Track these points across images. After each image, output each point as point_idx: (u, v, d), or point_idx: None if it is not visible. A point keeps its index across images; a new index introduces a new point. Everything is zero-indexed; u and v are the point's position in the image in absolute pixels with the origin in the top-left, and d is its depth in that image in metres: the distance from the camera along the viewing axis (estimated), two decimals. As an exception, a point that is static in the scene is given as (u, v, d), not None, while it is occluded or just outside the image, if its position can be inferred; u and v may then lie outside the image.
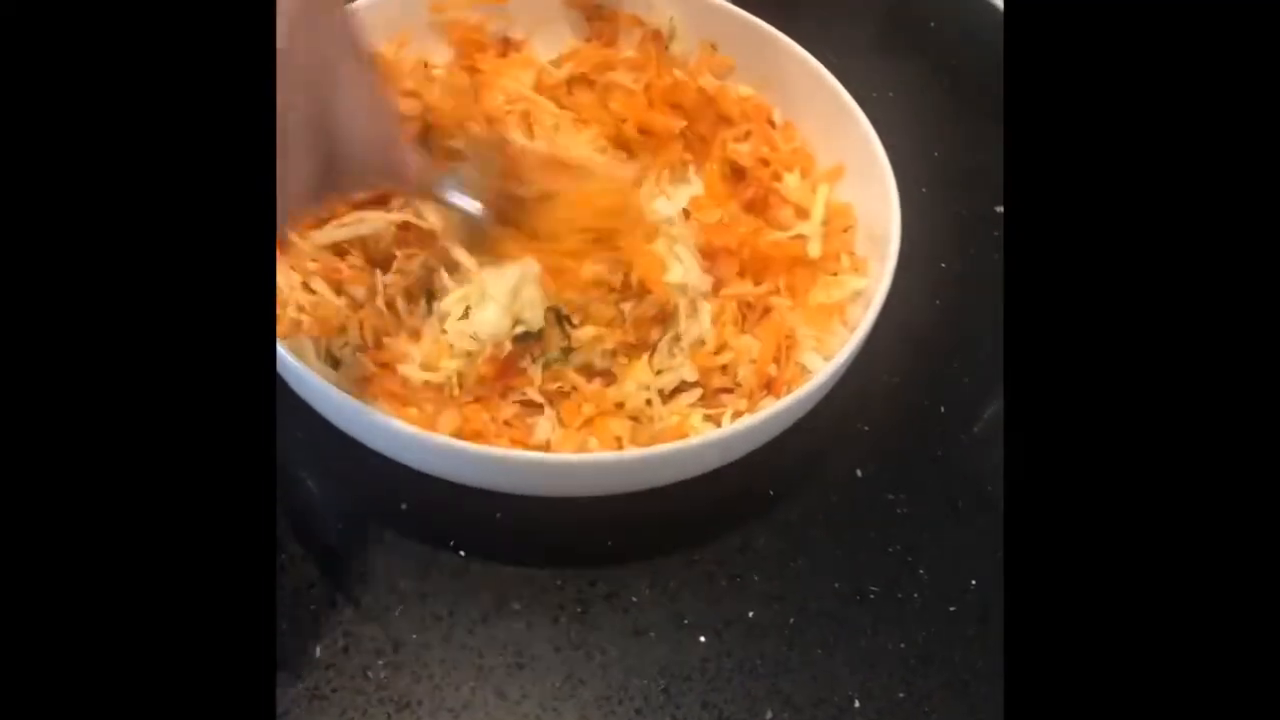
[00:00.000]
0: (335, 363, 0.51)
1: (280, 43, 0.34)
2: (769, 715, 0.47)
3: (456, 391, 0.50)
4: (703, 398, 0.53)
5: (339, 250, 0.53)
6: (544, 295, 0.51)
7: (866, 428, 0.57)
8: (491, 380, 0.51)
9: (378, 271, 0.53)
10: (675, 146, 0.62)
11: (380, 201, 0.54)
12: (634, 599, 0.49)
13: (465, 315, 0.51)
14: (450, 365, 0.50)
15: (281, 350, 0.46)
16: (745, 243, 0.57)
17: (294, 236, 0.52)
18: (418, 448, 0.47)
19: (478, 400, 0.50)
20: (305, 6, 0.36)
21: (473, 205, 0.48)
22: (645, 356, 0.52)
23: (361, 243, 0.53)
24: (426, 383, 0.50)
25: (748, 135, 0.63)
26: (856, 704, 0.47)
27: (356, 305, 0.52)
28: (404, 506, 0.51)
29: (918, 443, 0.57)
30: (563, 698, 0.46)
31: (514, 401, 0.51)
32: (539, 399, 0.51)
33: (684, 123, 0.62)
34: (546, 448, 0.50)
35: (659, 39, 0.65)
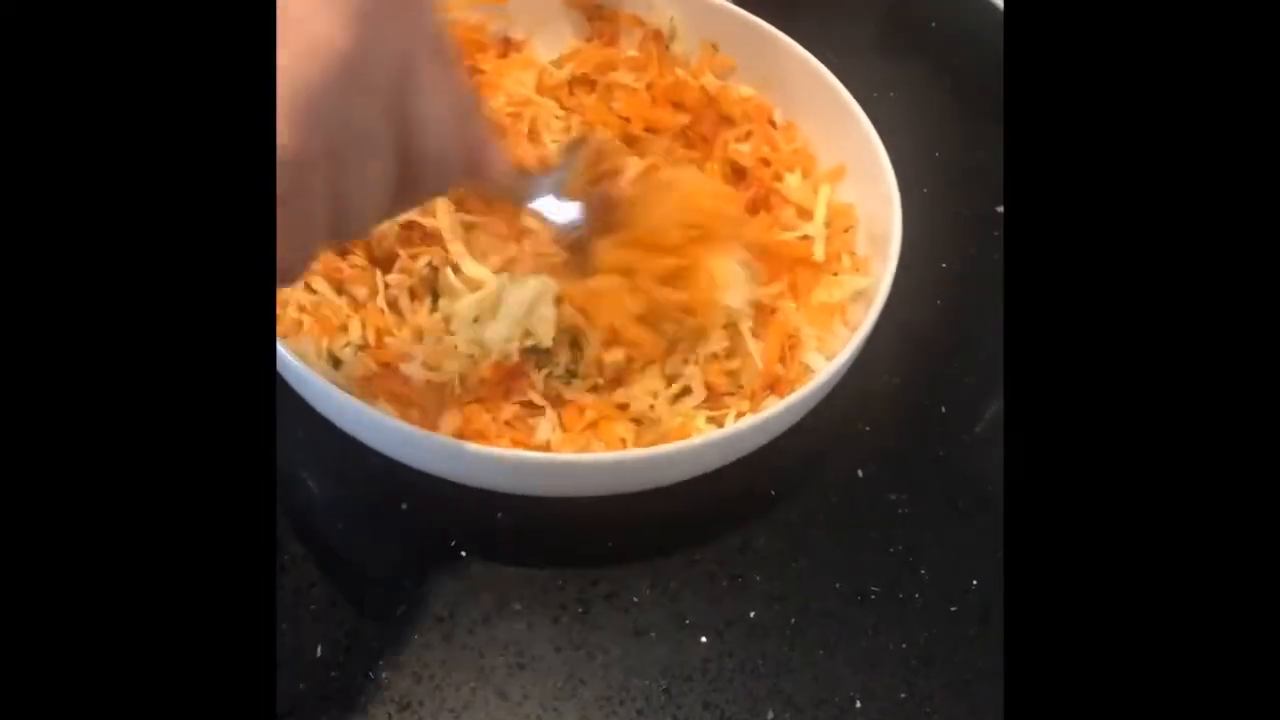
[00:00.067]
0: (336, 362, 0.51)
1: (346, 44, 0.30)
2: (770, 715, 0.47)
3: (458, 391, 0.50)
4: (706, 399, 0.52)
5: (341, 250, 0.53)
6: (559, 316, 0.51)
7: (868, 428, 0.57)
8: (493, 382, 0.51)
9: (379, 271, 0.53)
10: (679, 145, 0.62)
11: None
12: (635, 599, 0.49)
13: (476, 321, 0.51)
14: (453, 365, 0.50)
15: (282, 350, 0.46)
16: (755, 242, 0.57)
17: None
18: (419, 447, 0.47)
19: (479, 400, 0.50)
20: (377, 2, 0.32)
21: (568, 209, 0.45)
22: (658, 366, 0.52)
23: (364, 242, 0.53)
24: (428, 382, 0.50)
25: (749, 135, 0.63)
26: (858, 704, 0.47)
27: (358, 305, 0.52)
28: (405, 506, 0.51)
29: (919, 443, 0.57)
30: (564, 698, 0.46)
31: (515, 402, 0.51)
32: (540, 401, 0.51)
33: (687, 119, 0.62)
34: (547, 448, 0.50)
35: (660, 39, 0.65)
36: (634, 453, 0.47)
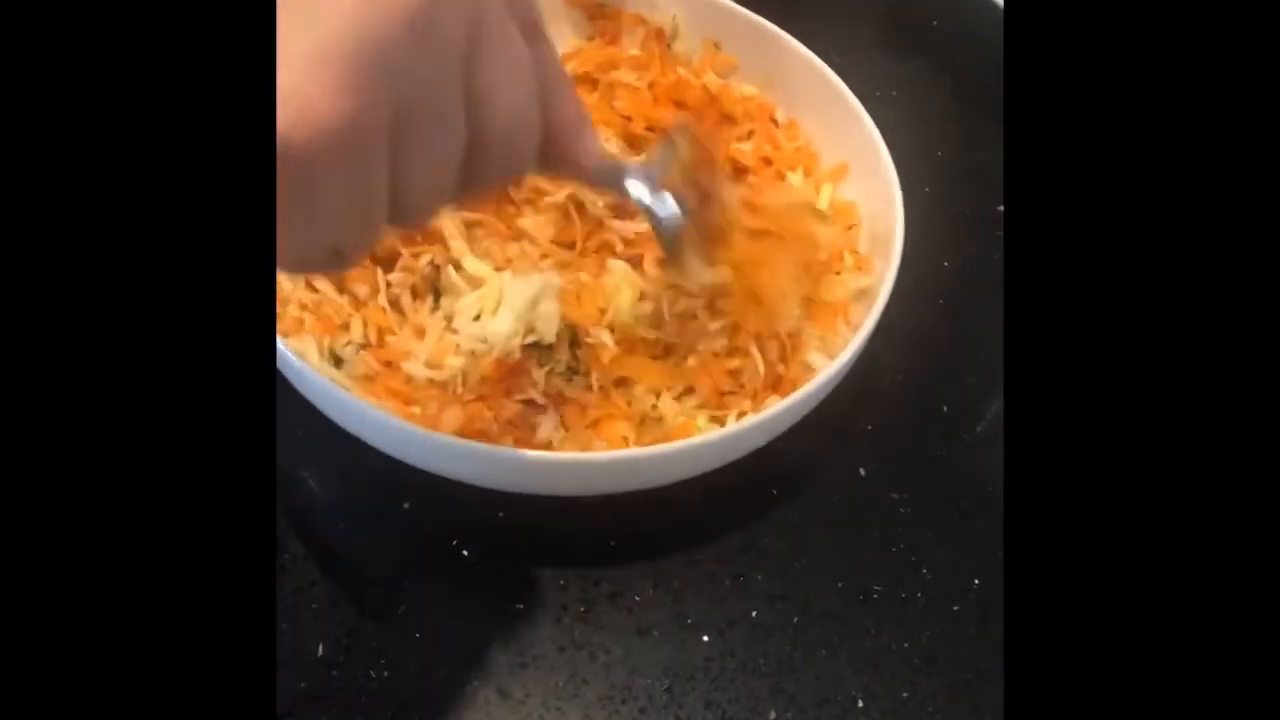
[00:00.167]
0: (338, 361, 0.51)
1: (415, 11, 0.26)
2: (772, 715, 0.47)
3: (460, 389, 0.50)
4: (707, 398, 0.52)
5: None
6: (562, 312, 0.51)
7: (869, 427, 0.57)
8: (495, 381, 0.51)
9: (380, 269, 0.53)
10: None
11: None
12: (637, 598, 0.49)
13: (478, 318, 0.51)
14: (455, 363, 0.50)
15: (283, 348, 0.46)
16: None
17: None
18: (420, 446, 0.47)
19: (481, 399, 0.50)
20: None
21: (668, 201, 0.42)
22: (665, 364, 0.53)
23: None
24: (430, 380, 0.50)
25: (751, 134, 0.63)
26: (860, 704, 0.47)
27: (359, 303, 0.52)
28: (406, 505, 0.51)
29: (921, 442, 0.57)
30: (566, 697, 0.46)
31: (518, 401, 0.51)
32: (542, 400, 0.51)
33: (689, 117, 0.62)
34: (549, 447, 0.50)
35: (661, 38, 0.65)
36: (636, 452, 0.47)
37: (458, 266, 0.52)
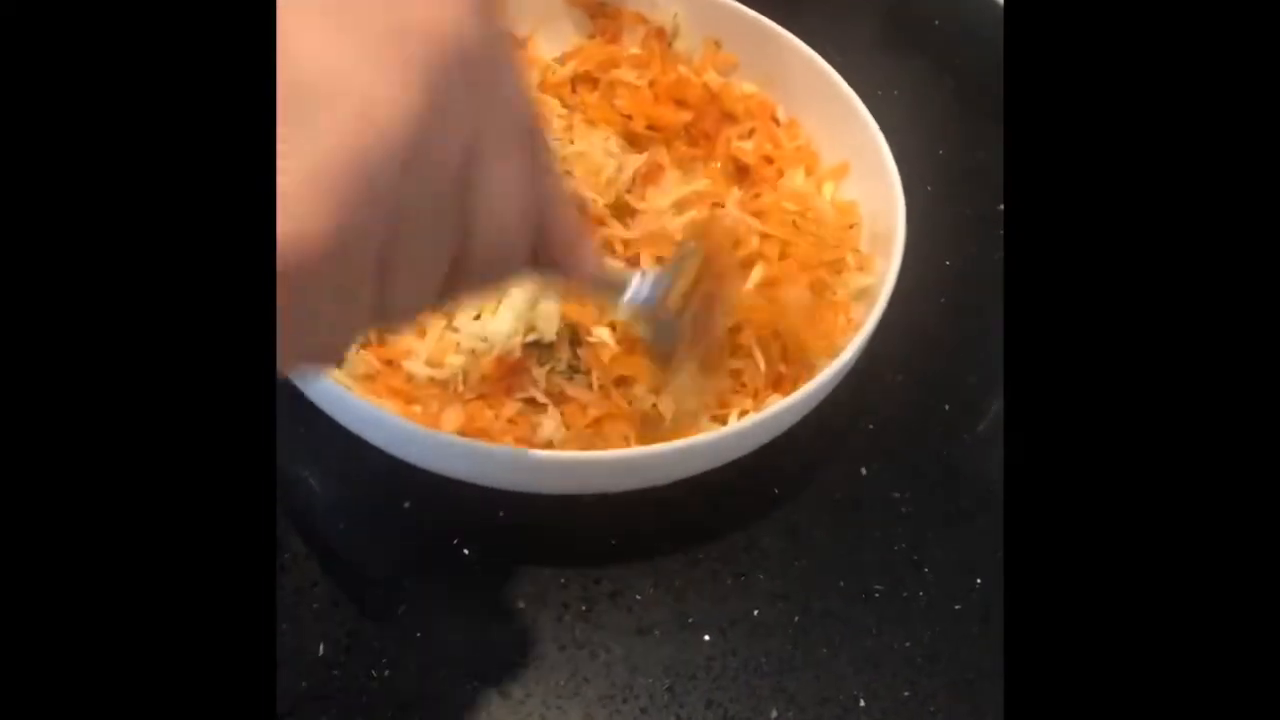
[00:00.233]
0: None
1: (411, 110, 0.25)
2: (774, 714, 0.46)
3: (461, 388, 0.50)
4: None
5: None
6: (562, 311, 0.51)
7: (871, 426, 0.57)
8: (496, 379, 0.51)
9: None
10: (682, 142, 0.62)
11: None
12: (638, 597, 0.49)
13: (478, 317, 0.51)
14: (455, 361, 0.50)
15: (284, 347, 0.46)
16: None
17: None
18: (421, 445, 0.47)
19: (482, 398, 0.50)
20: (451, 65, 0.26)
21: (662, 319, 0.41)
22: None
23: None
24: (431, 379, 0.50)
25: (752, 133, 0.63)
26: (862, 703, 0.47)
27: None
28: (407, 504, 0.51)
29: (922, 441, 0.57)
30: (567, 696, 0.46)
31: (519, 399, 0.51)
32: (543, 399, 0.51)
33: (690, 116, 0.62)
34: (550, 446, 0.50)
35: (662, 36, 0.65)
36: (637, 451, 0.47)
37: None
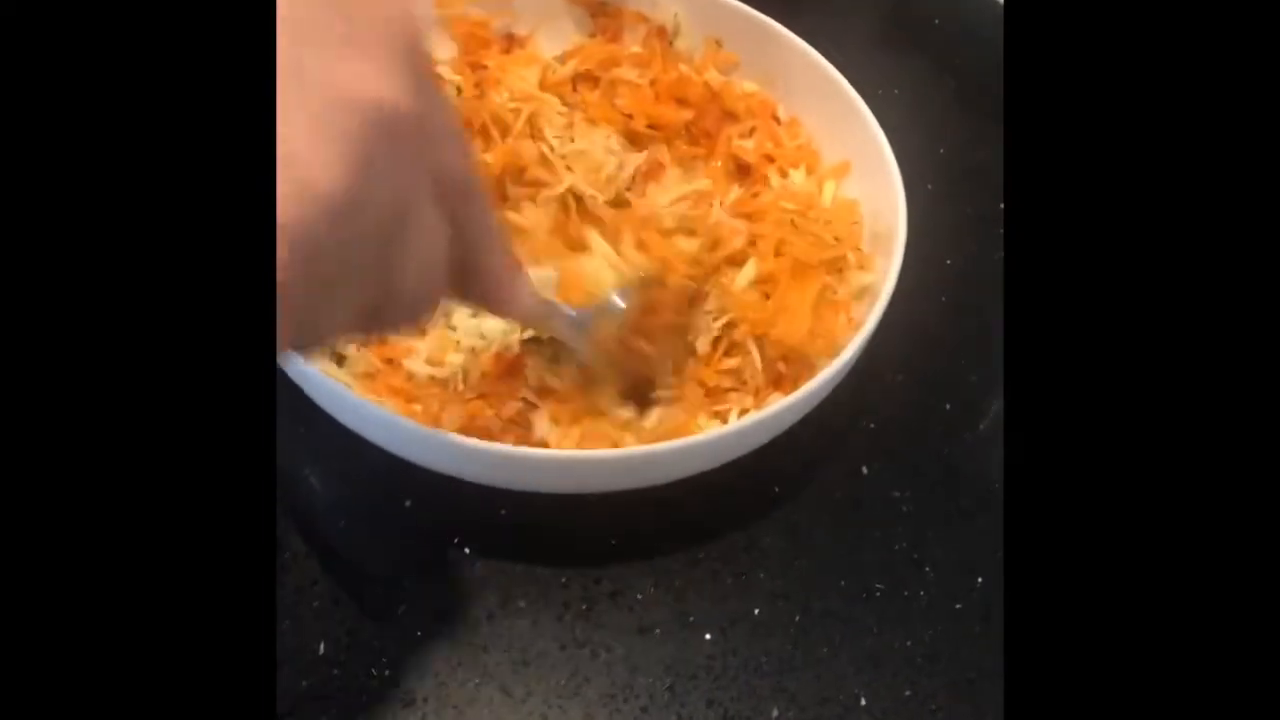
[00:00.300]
0: (339, 359, 0.51)
1: (336, 191, 0.27)
2: (774, 713, 0.46)
3: (461, 386, 0.50)
4: (708, 395, 0.52)
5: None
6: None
7: (871, 425, 0.57)
8: (495, 377, 0.51)
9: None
10: (683, 141, 0.62)
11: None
12: (639, 597, 0.49)
13: (475, 314, 0.51)
14: (456, 360, 0.50)
15: (285, 346, 0.46)
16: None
17: None
18: (422, 444, 0.47)
19: (482, 396, 0.50)
20: (380, 133, 0.28)
21: (586, 350, 0.47)
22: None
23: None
24: (431, 378, 0.50)
25: (753, 131, 0.63)
26: (863, 702, 0.47)
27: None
28: (408, 503, 0.51)
29: (923, 440, 0.57)
30: (567, 695, 0.46)
31: (520, 398, 0.51)
32: (533, 398, 0.51)
33: (691, 115, 0.62)
34: (545, 445, 0.50)
35: (663, 35, 0.65)
36: (637, 449, 0.47)
37: None
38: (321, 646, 0.46)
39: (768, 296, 0.54)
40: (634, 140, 0.61)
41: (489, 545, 0.50)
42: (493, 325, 0.51)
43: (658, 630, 0.48)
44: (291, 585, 0.48)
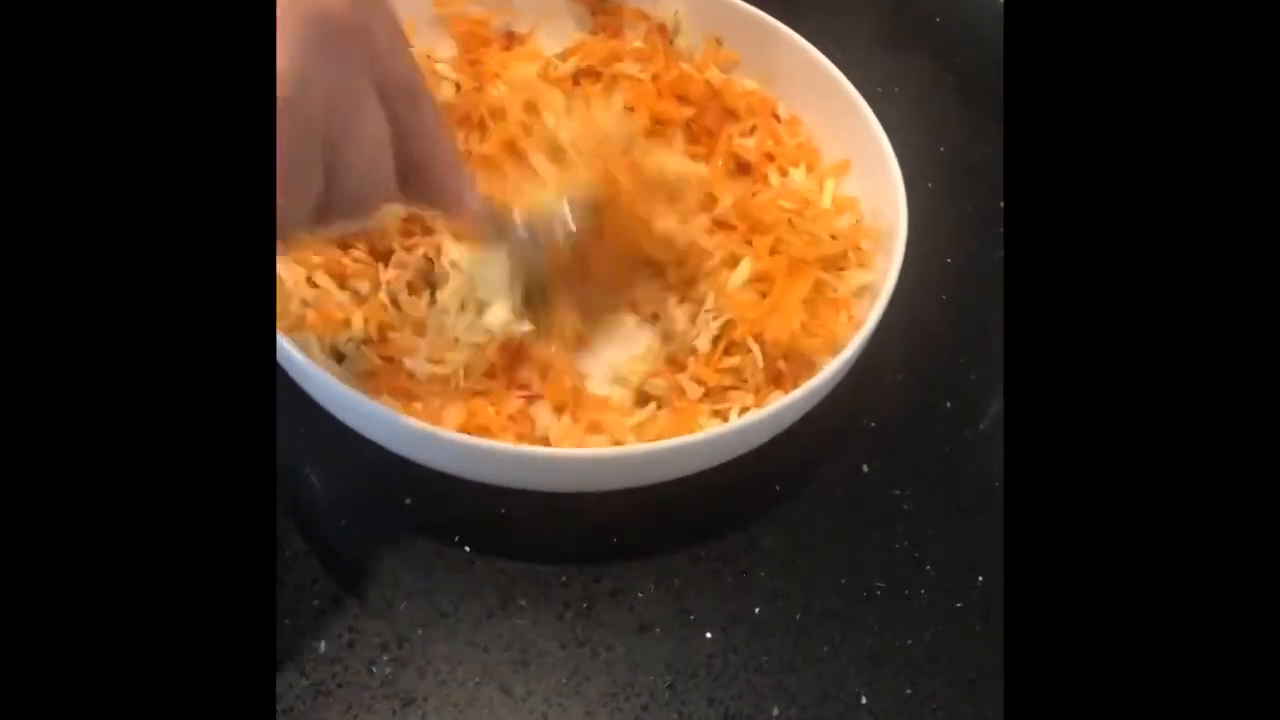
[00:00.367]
0: (340, 357, 0.51)
1: (281, 73, 0.31)
2: (775, 712, 0.46)
3: (462, 383, 0.50)
4: (709, 393, 0.52)
5: (343, 244, 0.53)
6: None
7: (872, 424, 0.57)
8: (503, 366, 0.51)
9: (381, 265, 0.53)
10: (684, 138, 0.62)
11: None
12: (639, 595, 0.49)
13: (479, 313, 0.51)
14: (456, 358, 0.50)
15: (285, 344, 0.46)
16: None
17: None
18: (422, 442, 0.47)
19: (483, 394, 0.50)
20: (321, 36, 0.33)
21: (538, 264, 0.47)
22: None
23: (366, 236, 0.53)
24: (432, 376, 0.50)
25: (753, 130, 0.63)
26: (863, 701, 0.47)
27: (361, 299, 0.52)
28: (408, 502, 0.51)
29: (923, 439, 0.57)
30: (568, 694, 0.46)
31: (520, 396, 0.51)
32: (538, 388, 0.51)
33: (692, 113, 0.61)
34: (547, 442, 0.50)
35: (664, 33, 0.65)
36: (639, 448, 0.47)
37: (438, 255, 0.53)
38: (322, 645, 0.46)
39: (765, 295, 0.54)
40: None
41: (489, 544, 0.50)
42: (492, 318, 0.51)
43: (658, 629, 0.48)
44: (292, 584, 0.48)
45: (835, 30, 0.66)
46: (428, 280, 0.53)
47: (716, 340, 0.53)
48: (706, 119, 0.62)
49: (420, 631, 0.47)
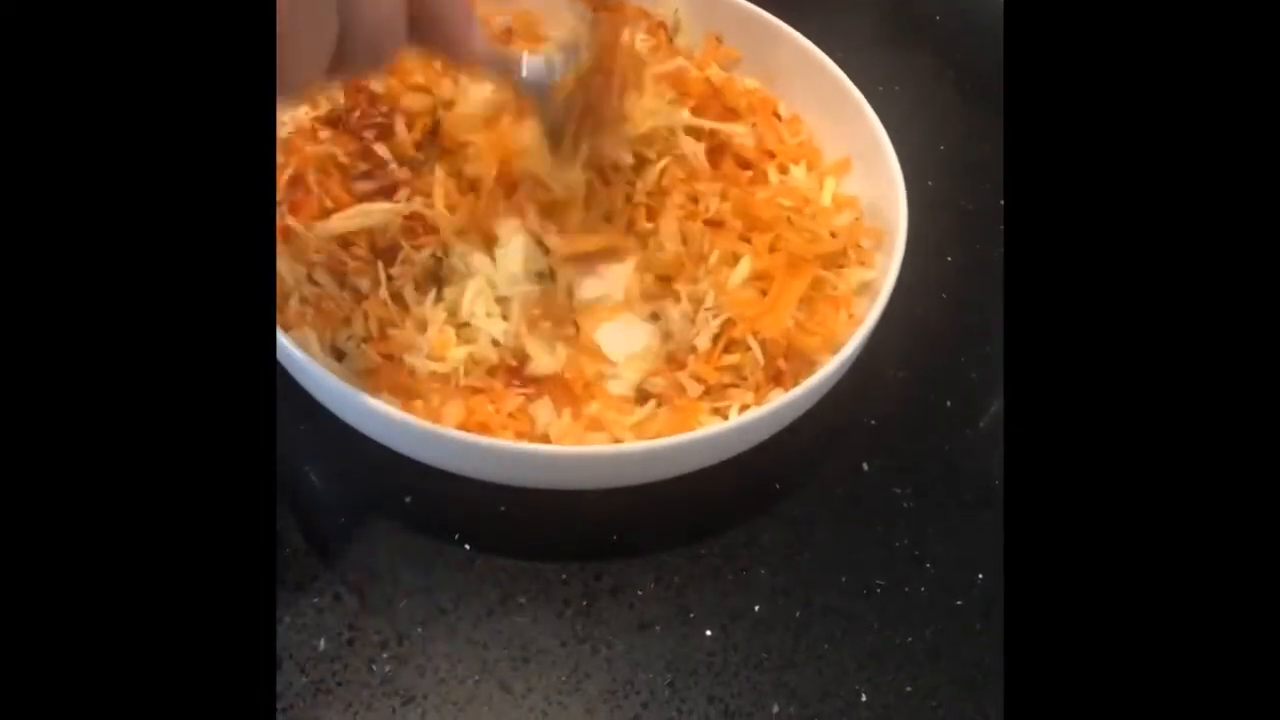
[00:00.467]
0: (340, 355, 0.51)
1: None
2: (775, 709, 0.47)
3: (462, 381, 0.50)
4: (709, 391, 0.52)
5: (344, 242, 0.53)
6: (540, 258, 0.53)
7: (872, 421, 0.57)
8: (507, 370, 0.51)
9: (381, 263, 0.53)
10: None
11: (387, 192, 0.54)
12: (639, 593, 0.49)
13: (489, 316, 0.51)
14: (457, 355, 0.50)
15: (285, 342, 0.46)
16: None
17: (298, 227, 0.51)
18: (422, 440, 0.47)
19: (482, 392, 0.50)
20: None
21: (553, 98, 0.48)
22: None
23: (367, 234, 0.53)
24: (432, 374, 0.50)
25: (754, 128, 0.63)
26: (864, 698, 0.47)
27: (361, 297, 0.52)
28: (408, 499, 0.51)
29: (923, 437, 0.57)
30: (568, 692, 0.46)
31: (519, 394, 0.51)
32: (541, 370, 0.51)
33: (692, 104, 0.61)
34: (547, 439, 0.50)
35: (664, 31, 0.65)
36: (639, 445, 0.47)
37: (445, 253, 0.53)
38: (322, 643, 0.46)
39: (765, 293, 0.54)
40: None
41: (489, 541, 0.50)
42: (505, 266, 0.52)
43: (658, 626, 0.48)
44: (292, 581, 0.48)
45: (836, 28, 0.66)
46: (434, 278, 0.53)
47: (716, 338, 0.53)
48: (707, 117, 0.62)
49: (420, 629, 0.47)
